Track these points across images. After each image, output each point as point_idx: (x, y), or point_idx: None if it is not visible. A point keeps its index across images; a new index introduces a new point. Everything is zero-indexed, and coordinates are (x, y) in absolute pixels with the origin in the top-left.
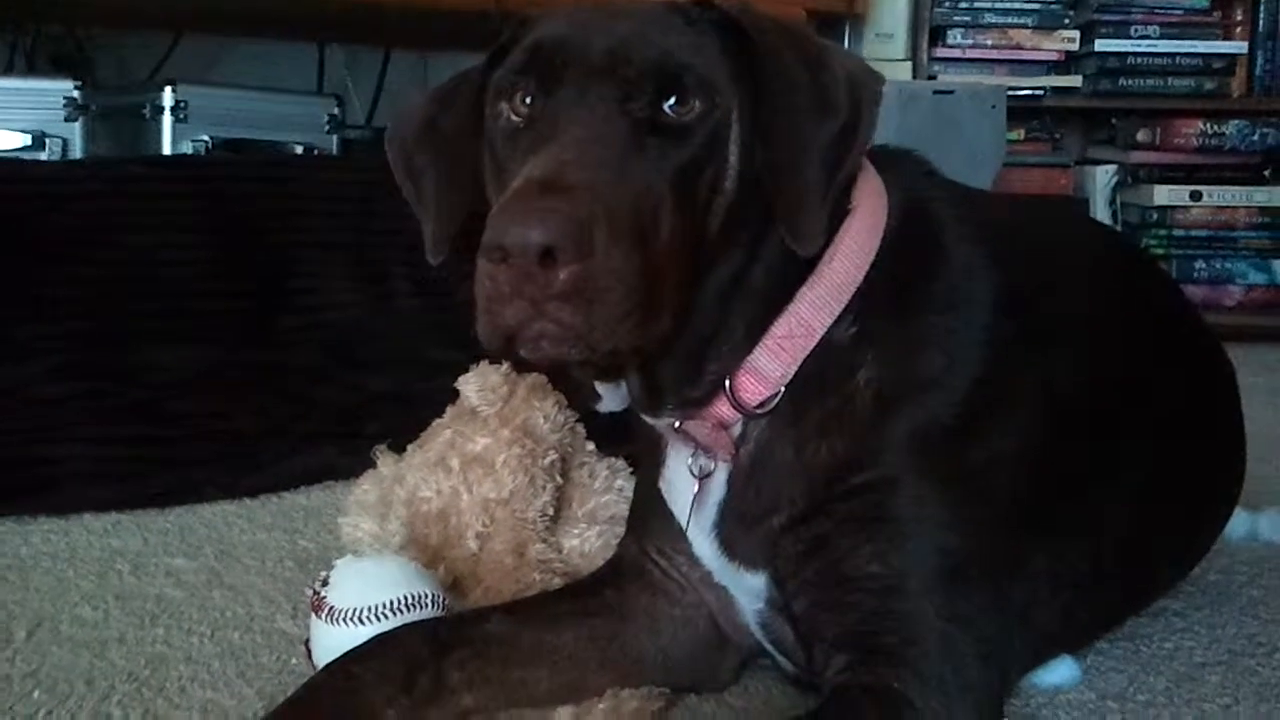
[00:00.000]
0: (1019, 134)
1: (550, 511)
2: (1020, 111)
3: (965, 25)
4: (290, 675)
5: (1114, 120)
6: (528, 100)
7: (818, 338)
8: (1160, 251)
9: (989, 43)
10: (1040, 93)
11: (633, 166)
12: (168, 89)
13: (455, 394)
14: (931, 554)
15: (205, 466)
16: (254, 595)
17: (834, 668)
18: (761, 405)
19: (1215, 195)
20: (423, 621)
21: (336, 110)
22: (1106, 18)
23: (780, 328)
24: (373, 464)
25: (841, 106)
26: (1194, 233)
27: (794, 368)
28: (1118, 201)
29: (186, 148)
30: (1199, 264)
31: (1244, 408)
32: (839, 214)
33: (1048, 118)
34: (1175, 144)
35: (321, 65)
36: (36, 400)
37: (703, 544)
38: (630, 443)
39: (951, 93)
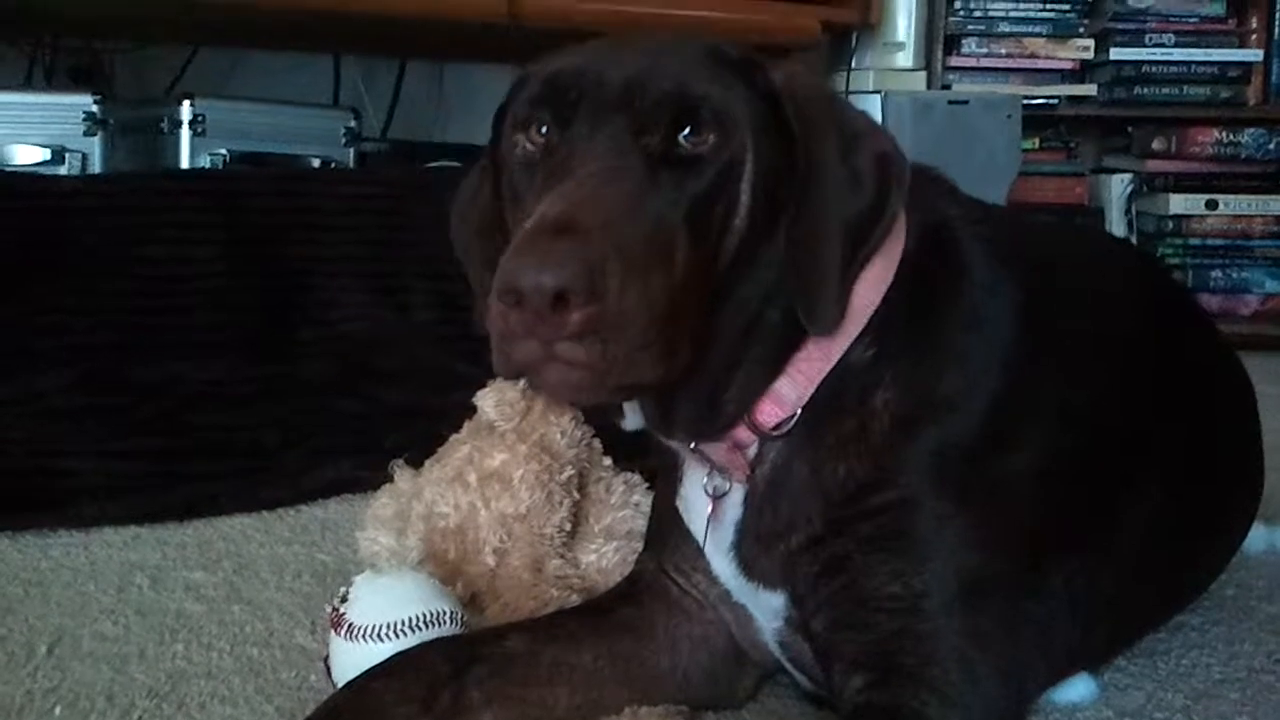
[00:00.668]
0: (1034, 143)
1: (567, 527)
2: (1035, 120)
3: (979, 34)
4: (309, 692)
5: (1129, 129)
6: (543, 131)
7: (834, 360)
8: (1176, 260)
9: (1003, 52)
10: (1055, 101)
11: (647, 203)
12: (185, 103)
13: (473, 408)
14: (951, 574)
15: (223, 480)
16: (273, 610)
17: (853, 687)
18: (778, 427)
19: (1231, 204)
20: (442, 639)
21: (353, 123)
22: (1121, 26)
23: (799, 355)
24: (390, 477)
25: (869, 187)
26: (1210, 241)
27: (811, 390)
28: (1133, 210)
29: (204, 161)
30: (1215, 273)
31: (1260, 419)
32: None
33: (1062, 127)
34: (1191, 152)
35: (337, 78)
36: (56, 413)
37: (720, 562)
38: (646, 457)
39: (966, 102)
